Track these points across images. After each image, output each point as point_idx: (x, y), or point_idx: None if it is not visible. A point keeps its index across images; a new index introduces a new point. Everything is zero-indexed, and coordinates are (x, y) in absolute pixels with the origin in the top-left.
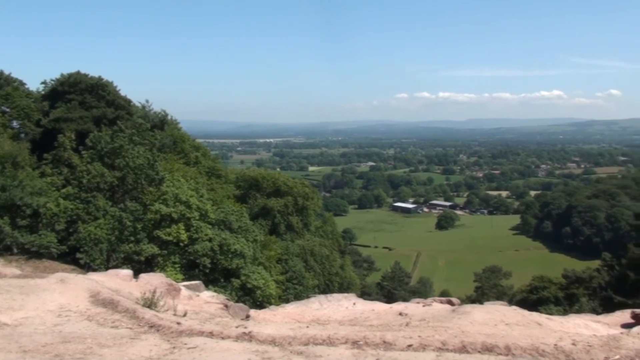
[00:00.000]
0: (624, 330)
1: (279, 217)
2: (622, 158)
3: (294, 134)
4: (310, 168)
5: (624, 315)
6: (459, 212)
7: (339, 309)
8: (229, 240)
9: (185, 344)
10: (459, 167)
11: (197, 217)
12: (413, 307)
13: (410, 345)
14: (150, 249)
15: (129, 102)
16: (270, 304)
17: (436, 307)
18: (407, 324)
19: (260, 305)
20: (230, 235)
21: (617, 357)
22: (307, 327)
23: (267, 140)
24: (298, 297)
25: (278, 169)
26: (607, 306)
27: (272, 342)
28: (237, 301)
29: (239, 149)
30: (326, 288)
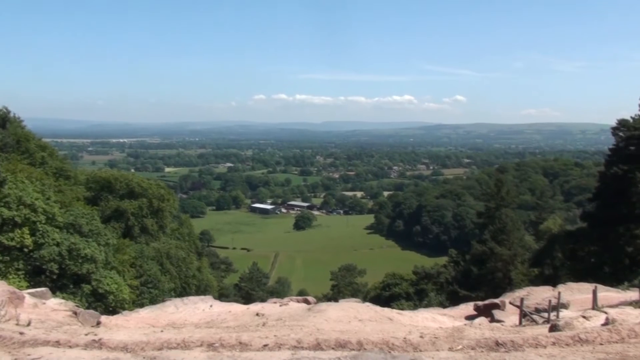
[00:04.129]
0: (467, 321)
1: (132, 220)
2: (467, 160)
3: (149, 134)
4: (167, 169)
5: (468, 308)
6: (316, 212)
7: (196, 312)
8: (78, 244)
9: (29, 354)
10: (315, 169)
11: (44, 221)
12: (270, 307)
13: (266, 345)
14: None
15: None
16: (124, 309)
17: (293, 307)
18: (263, 324)
19: (113, 311)
20: (80, 239)
21: (460, 347)
22: (162, 331)
23: (121, 140)
24: (153, 302)
25: (132, 170)
26: (453, 300)
27: (124, 348)
28: (87, 307)
29: (90, 149)
30: (183, 291)
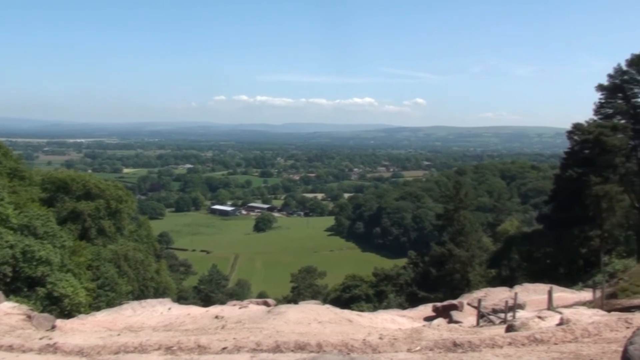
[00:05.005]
0: (426, 323)
1: (89, 221)
2: (426, 162)
3: (107, 134)
4: (125, 170)
5: (427, 309)
6: (276, 214)
7: (154, 315)
8: (33, 246)
9: None
10: (276, 170)
11: None
12: (229, 310)
13: (225, 348)
14: None
15: None
16: (80, 312)
17: (252, 309)
18: (223, 327)
19: (68, 314)
20: (35, 241)
21: (418, 348)
22: (119, 335)
23: (78, 140)
24: (110, 305)
25: (90, 171)
26: (412, 301)
27: (80, 352)
28: (42, 311)
29: (46, 149)
30: (141, 294)
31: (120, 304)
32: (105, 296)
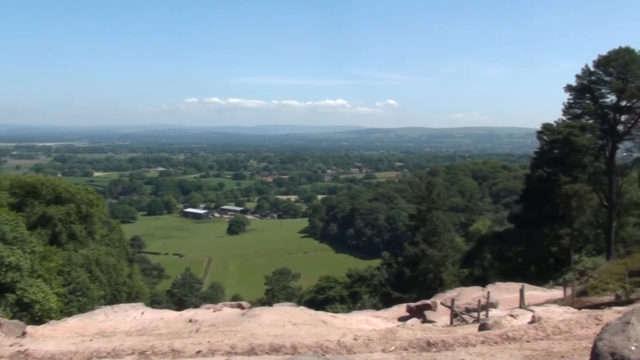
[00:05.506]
0: (400, 323)
1: (60, 226)
2: (399, 163)
3: (77, 138)
4: (96, 174)
5: (401, 309)
6: (249, 216)
7: (126, 319)
8: (2, 252)
9: None
10: (249, 173)
11: None
12: (203, 313)
13: (199, 352)
14: None
15: None
16: (51, 318)
17: (226, 312)
18: (197, 331)
19: (39, 320)
20: (4, 247)
21: (393, 348)
22: (91, 340)
23: (47, 144)
24: (82, 310)
25: (59, 175)
26: (386, 301)
27: (51, 358)
28: (12, 318)
29: (14, 153)
30: (113, 298)
31: (92, 309)
32: (77, 301)
